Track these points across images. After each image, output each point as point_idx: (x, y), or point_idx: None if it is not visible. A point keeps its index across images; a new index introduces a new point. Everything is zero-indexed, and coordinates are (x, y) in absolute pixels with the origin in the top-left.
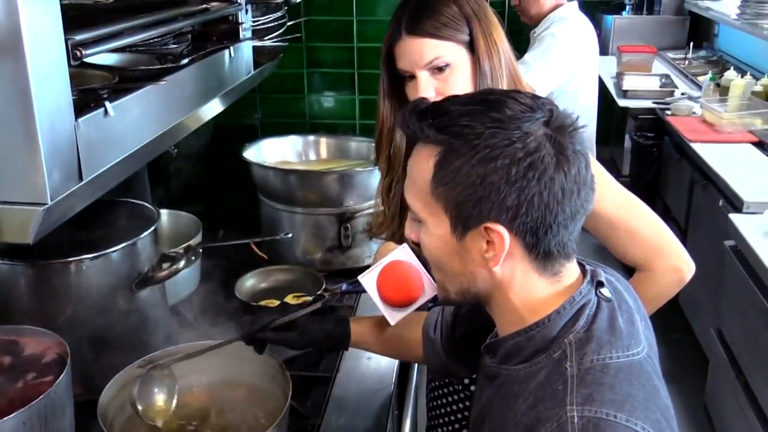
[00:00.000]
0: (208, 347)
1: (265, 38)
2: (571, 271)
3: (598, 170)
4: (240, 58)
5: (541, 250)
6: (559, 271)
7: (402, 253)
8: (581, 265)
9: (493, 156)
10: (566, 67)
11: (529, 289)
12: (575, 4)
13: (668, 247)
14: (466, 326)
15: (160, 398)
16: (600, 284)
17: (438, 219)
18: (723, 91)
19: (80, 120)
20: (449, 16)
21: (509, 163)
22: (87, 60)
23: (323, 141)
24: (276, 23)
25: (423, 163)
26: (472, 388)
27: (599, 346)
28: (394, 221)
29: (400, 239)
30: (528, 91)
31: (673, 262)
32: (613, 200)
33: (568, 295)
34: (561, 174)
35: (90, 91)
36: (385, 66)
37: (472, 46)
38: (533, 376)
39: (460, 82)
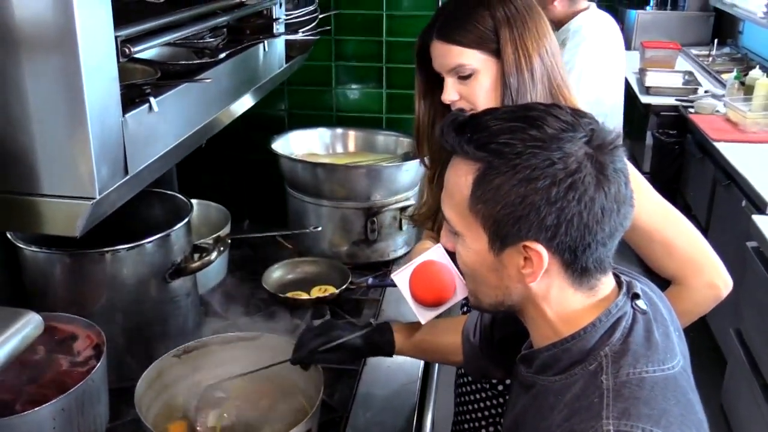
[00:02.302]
0: (259, 369)
1: (297, 32)
2: (606, 284)
3: (636, 181)
4: (273, 52)
5: (579, 267)
6: (595, 285)
7: (436, 253)
8: (616, 276)
9: (533, 176)
10: (596, 81)
11: (565, 302)
12: (591, 11)
13: (705, 262)
14: (504, 330)
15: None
16: (636, 296)
17: (475, 234)
18: (747, 89)
19: (127, 116)
20: (478, 25)
21: (550, 184)
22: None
23: (351, 134)
24: (308, 17)
25: (461, 178)
26: (500, 387)
27: (635, 360)
28: (437, 213)
29: (440, 231)
30: (570, 105)
31: (709, 278)
32: (650, 212)
33: (604, 308)
34: (601, 194)
35: (134, 87)
36: (420, 66)
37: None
38: (569, 388)
39: (484, 91)
